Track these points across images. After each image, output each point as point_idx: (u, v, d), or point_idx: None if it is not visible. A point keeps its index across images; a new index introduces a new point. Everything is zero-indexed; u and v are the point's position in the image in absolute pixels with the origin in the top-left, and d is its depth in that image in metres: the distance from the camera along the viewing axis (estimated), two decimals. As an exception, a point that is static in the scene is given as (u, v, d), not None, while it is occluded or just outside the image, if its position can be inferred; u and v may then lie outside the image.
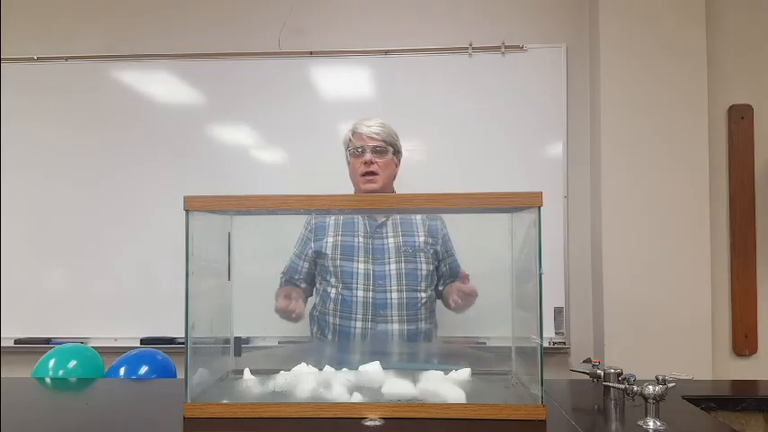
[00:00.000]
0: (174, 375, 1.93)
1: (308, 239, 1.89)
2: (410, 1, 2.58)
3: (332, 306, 1.83)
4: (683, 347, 2.25)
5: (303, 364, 1.32)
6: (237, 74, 2.54)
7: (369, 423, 1.08)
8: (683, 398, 1.26)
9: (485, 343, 2.20)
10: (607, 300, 2.31)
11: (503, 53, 2.49)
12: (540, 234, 1.13)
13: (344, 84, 2.55)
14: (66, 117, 2.59)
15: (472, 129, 2.48)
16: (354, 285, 1.80)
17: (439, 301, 1.92)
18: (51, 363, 1.87)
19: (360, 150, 1.84)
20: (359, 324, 1.79)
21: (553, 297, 2.39)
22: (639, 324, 2.27)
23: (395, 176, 1.93)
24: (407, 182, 2.04)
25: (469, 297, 1.73)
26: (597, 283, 2.39)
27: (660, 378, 1.08)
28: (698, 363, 2.24)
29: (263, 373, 1.32)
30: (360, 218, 1.85)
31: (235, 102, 2.55)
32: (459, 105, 2.48)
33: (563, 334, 2.43)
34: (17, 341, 2.51)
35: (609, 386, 1.19)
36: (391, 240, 1.84)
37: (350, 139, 1.89)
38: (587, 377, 1.31)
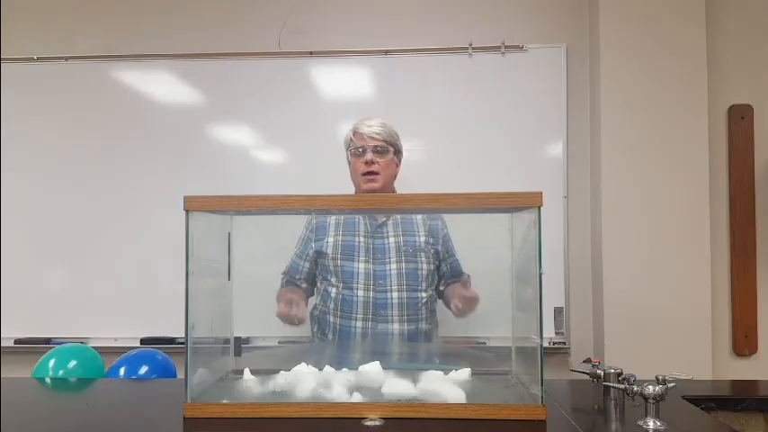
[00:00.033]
0: (174, 375, 1.93)
1: (308, 239, 1.89)
2: (410, 1, 2.58)
3: (332, 306, 1.83)
4: (683, 347, 2.25)
5: (303, 364, 1.32)
6: (237, 74, 2.54)
7: (369, 423, 1.08)
8: (683, 398, 1.26)
9: (485, 343, 2.20)
10: (607, 300, 2.31)
11: (503, 53, 2.49)
12: (540, 234, 1.13)
13: (344, 84, 2.55)
14: (66, 117, 2.59)
15: (472, 129, 2.48)
16: (355, 285, 1.80)
17: (439, 302, 1.92)
18: (51, 363, 1.87)
19: (361, 150, 1.84)
20: (359, 324, 1.79)
21: (553, 297, 2.39)
22: (639, 324, 2.27)
23: (396, 176, 1.93)
24: (408, 182, 2.04)
25: (471, 302, 1.72)
26: (597, 283, 2.39)
27: (660, 378, 1.08)
28: (698, 363, 2.24)
29: (263, 373, 1.32)
30: (360, 217, 1.85)
31: (235, 102, 2.55)
32: (459, 105, 2.48)
33: (563, 334, 2.43)
34: (17, 341, 2.52)
35: (609, 386, 1.19)
36: (392, 240, 1.84)
37: (351, 139, 1.89)
38: (587, 377, 1.31)
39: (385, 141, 1.85)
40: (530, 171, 2.46)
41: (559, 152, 2.46)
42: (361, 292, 1.80)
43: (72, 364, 1.89)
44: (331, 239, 1.85)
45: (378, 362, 1.29)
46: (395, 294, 1.80)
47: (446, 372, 1.30)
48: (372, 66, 2.53)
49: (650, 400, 1.05)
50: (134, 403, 1.33)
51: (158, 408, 1.28)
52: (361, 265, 1.81)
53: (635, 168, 2.31)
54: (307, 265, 1.89)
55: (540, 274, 1.12)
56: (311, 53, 2.54)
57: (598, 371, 1.27)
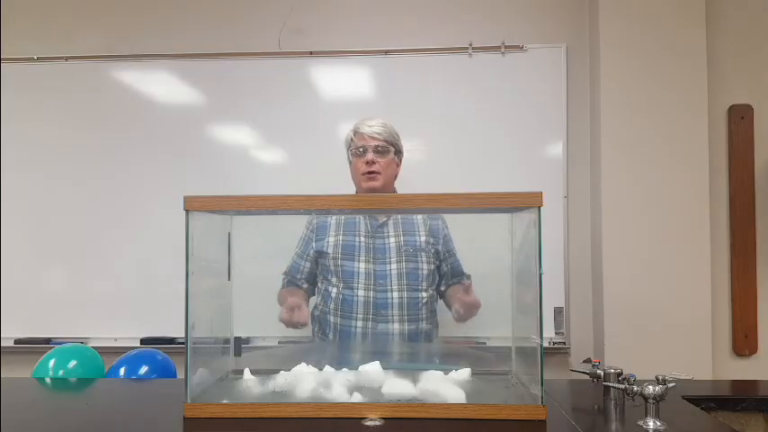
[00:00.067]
0: (174, 375, 1.93)
1: (309, 239, 1.89)
2: (410, 1, 2.58)
3: (333, 305, 1.83)
4: (683, 347, 2.25)
5: (303, 364, 1.32)
6: (237, 74, 2.54)
7: (369, 423, 1.08)
8: (683, 398, 1.26)
9: (485, 343, 2.20)
10: (607, 300, 2.31)
11: (503, 53, 2.49)
12: (540, 234, 1.13)
13: (344, 84, 2.55)
14: (66, 117, 2.59)
15: (472, 129, 2.48)
16: (355, 285, 1.80)
17: (440, 302, 1.91)
18: (51, 363, 1.87)
19: (361, 150, 1.84)
20: (359, 324, 1.79)
21: (553, 297, 2.39)
22: (639, 324, 2.27)
23: (396, 176, 1.93)
24: (408, 182, 2.04)
25: (472, 308, 1.72)
26: (597, 283, 2.39)
27: (660, 378, 1.08)
28: (698, 363, 2.24)
29: (263, 373, 1.32)
30: (361, 217, 1.85)
31: (235, 102, 2.55)
32: (459, 105, 2.48)
33: (563, 334, 2.43)
34: (17, 341, 2.51)
35: (609, 386, 1.19)
36: (392, 240, 1.84)
37: (351, 139, 1.89)
38: (587, 377, 1.31)
39: (386, 141, 1.85)
40: (530, 171, 2.46)
41: (559, 152, 2.46)
42: (361, 292, 1.80)
43: (72, 364, 1.89)
44: (332, 239, 1.85)
45: (378, 362, 1.29)
46: (395, 294, 1.80)
47: (446, 372, 1.30)
48: (372, 66, 2.53)
49: (650, 400, 1.05)
50: (134, 403, 1.33)
51: (158, 408, 1.28)
52: (362, 265, 1.81)
53: (635, 168, 2.31)
54: (307, 265, 1.89)
55: (540, 274, 1.12)
56: (311, 53, 2.54)
57: (598, 371, 1.27)
